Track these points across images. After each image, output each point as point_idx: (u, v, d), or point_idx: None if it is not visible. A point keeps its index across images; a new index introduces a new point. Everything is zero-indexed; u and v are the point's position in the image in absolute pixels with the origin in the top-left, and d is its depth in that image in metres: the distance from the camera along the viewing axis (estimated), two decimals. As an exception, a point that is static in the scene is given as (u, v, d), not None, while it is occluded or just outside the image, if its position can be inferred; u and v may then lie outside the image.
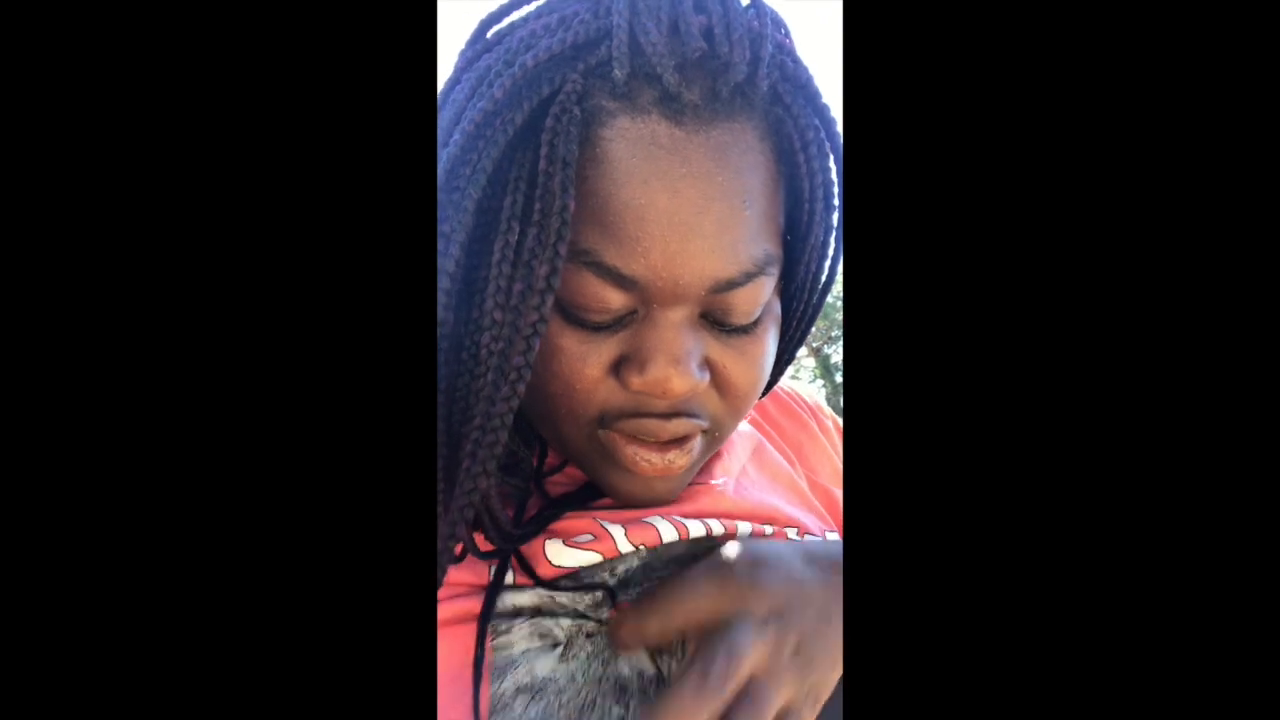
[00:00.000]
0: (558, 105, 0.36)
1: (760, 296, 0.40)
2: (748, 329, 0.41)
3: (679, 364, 0.39)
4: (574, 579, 0.45)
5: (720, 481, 0.51)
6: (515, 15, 0.41)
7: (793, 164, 0.40)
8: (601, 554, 0.44)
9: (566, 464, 0.51)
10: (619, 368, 0.40)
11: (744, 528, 0.48)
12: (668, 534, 0.45)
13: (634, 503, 0.45)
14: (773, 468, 0.57)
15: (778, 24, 0.40)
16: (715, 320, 0.40)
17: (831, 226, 0.43)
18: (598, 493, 0.48)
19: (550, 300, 0.36)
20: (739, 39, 0.36)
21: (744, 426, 0.58)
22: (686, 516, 0.47)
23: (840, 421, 0.69)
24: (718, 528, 0.47)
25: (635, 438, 0.41)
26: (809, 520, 0.55)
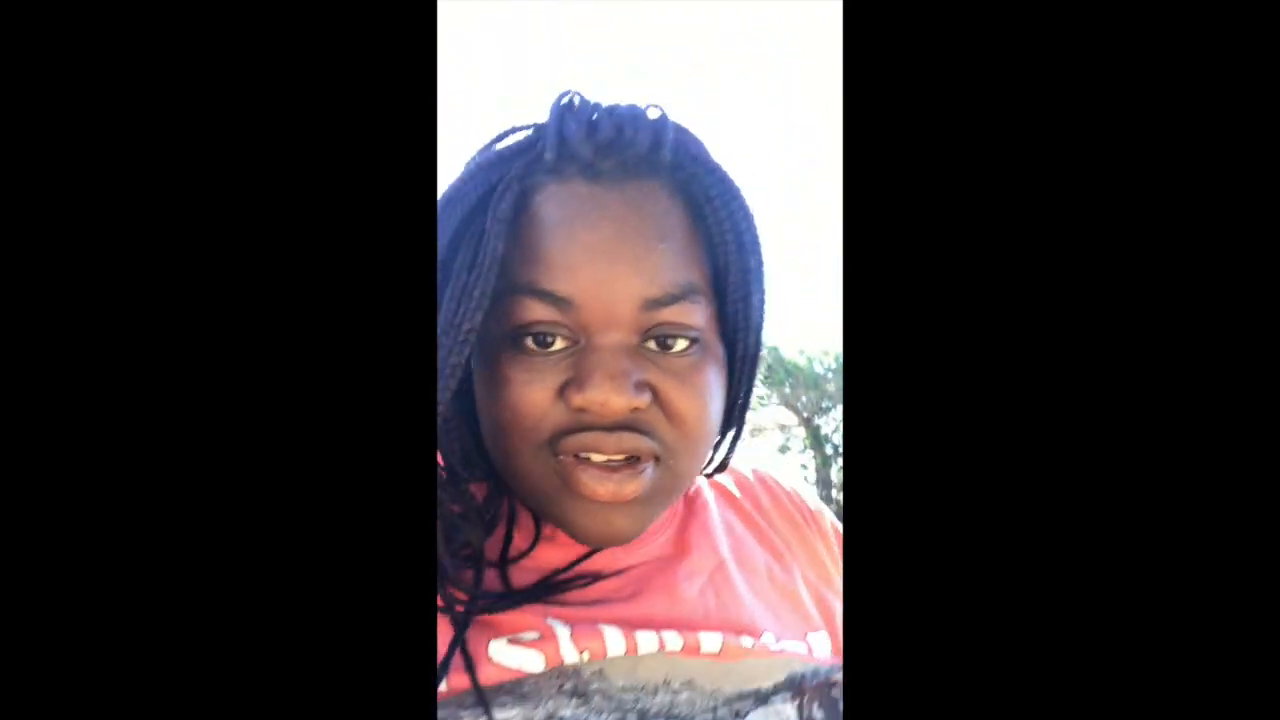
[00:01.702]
0: (502, 183, 0.46)
1: (690, 318, 0.46)
2: (686, 354, 0.47)
3: (614, 379, 0.44)
4: (514, 694, 0.45)
5: (689, 585, 0.53)
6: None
7: (702, 215, 0.48)
8: (545, 656, 0.46)
9: (533, 548, 0.53)
10: (564, 392, 0.46)
11: (711, 641, 0.49)
12: (614, 645, 0.47)
13: (593, 538, 0.48)
14: (752, 563, 0.58)
15: (680, 129, 0.50)
16: (655, 347, 0.46)
17: (748, 268, 0.50)
18: (555, 589, 0.50)
19: (481, 315, 0.44)
20: (643, 127, 0.47)
21: (721, 524, 0.60)
22: (638, 625, 0.48)
23: (841, 529, 0.67)
24: (674, 641, 0.48)
25: (585, 460, 0.46)
26: (790, 630, 0.55)
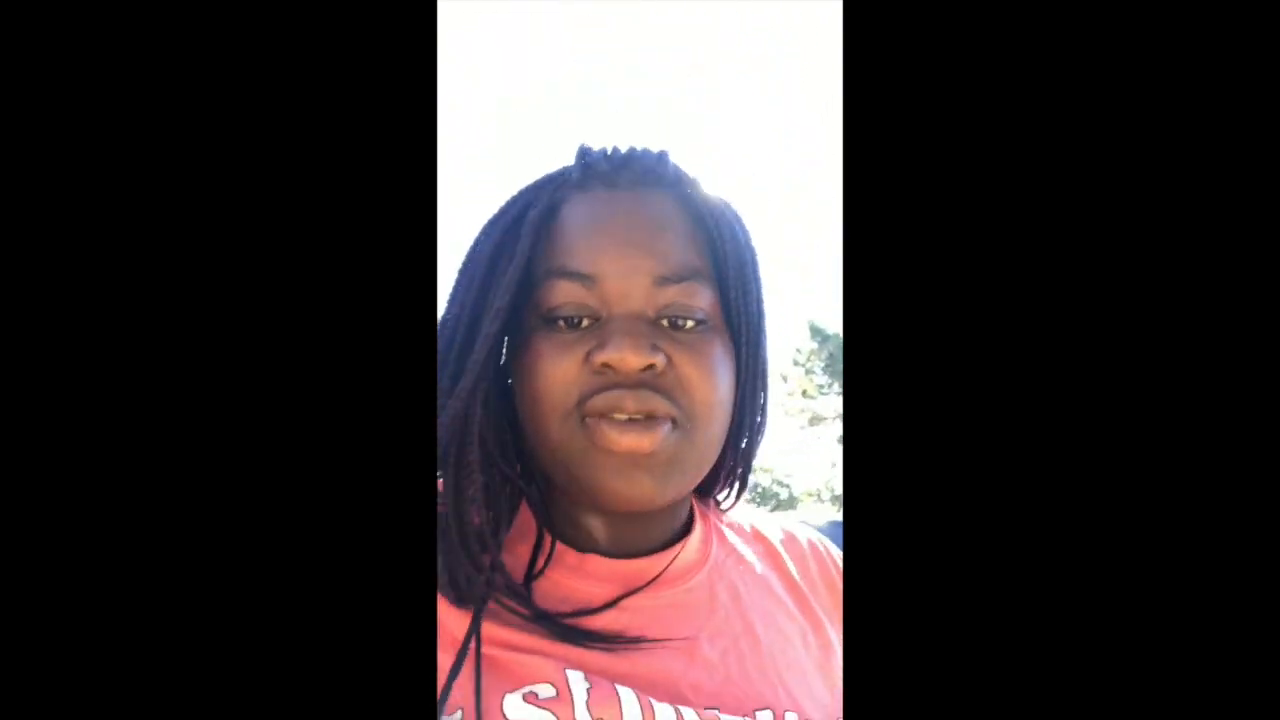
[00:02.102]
0: (537, 200, 0.55)
1: (696, 299, 0.53)
2: (697, 328, 0.54)
3: (632, 337, 0.50)
4: None
5: (711, 647, 0.55)
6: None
7: (701, 218, 0.57)
8: (557, 718, 0.47)
9: (547, 564, 0.56)
10: (589, 358, 0.51)
11: None
12: (630, 711, 0.49)
13: (618, 498, 0.52)
14: (784, 630, 0.59)
15: (678, 169, 0.59)
16: (669, 323, 0.53)
17: (745, 261, 0.57)
18: (576, 635, 0.52)
19: (510, 295, 0.52)
20: (662, 159, 0.58)
21: (757, 584, 0.61)
22: (656, 684, 0.51)
23: None
24: (690, 719, 0.49)
25: (608, 416, 0.51)
26: (819, 705, 0.55)
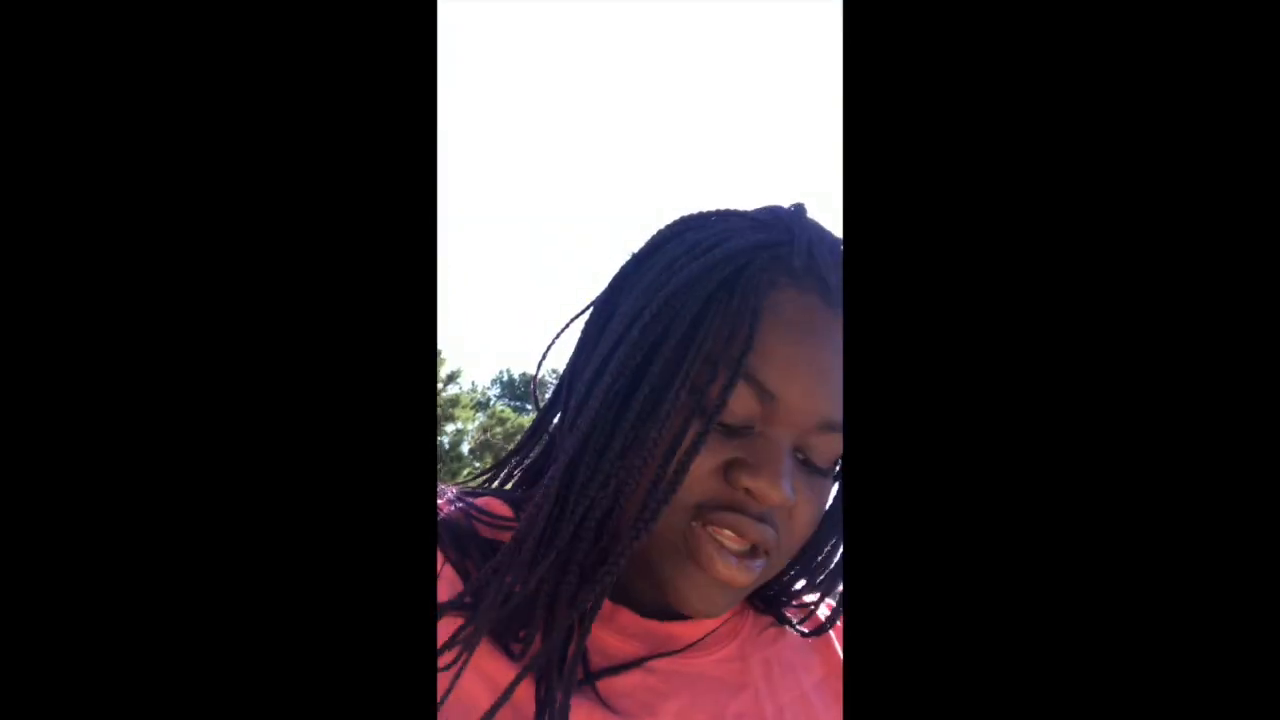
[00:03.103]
0: (751, 269, 0.50)
1: (839, 449, 0.51)
2: (824, 473, 0.52)
3: (782, 477, 0.48)
4: None
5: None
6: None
7: None
8: None
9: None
10: (729, 468, 0.49)
11: None
12: None
13: (689, 606, 0.50)
14: (813, 714, 0.58)
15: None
16: (804, 459, 0.51)
17: None
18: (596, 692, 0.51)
19: (729, 397, 0.47)
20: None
21: (792, 668, 0.59)
22: None
23: None
24: None
25: (719, 535, 0.49)
26: None
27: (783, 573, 0.57)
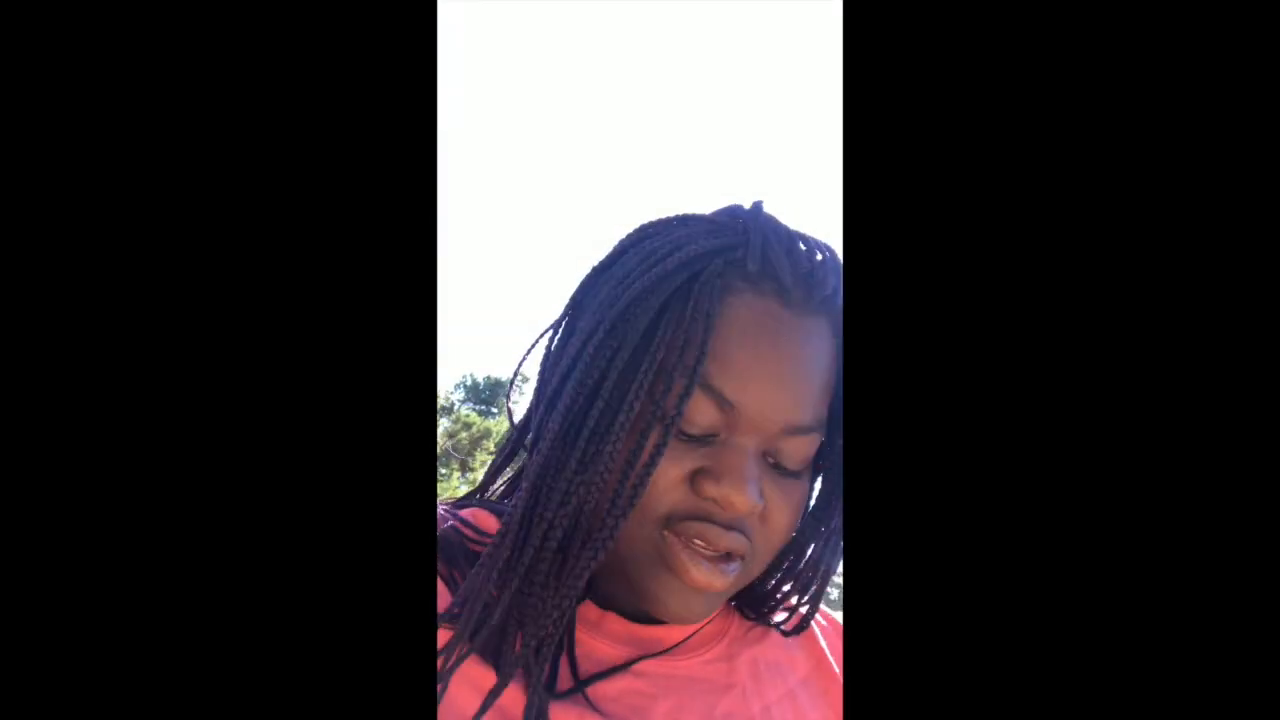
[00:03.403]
0: (705, 276, 0.50)
1: (810, 450, 0.52)
2: (797, 475, 0.52)
3: (748, 484, 0.48)
4: None
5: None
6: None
7: (835, 358, 0.54)
8: None
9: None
10: (694, 477, 0.50)
11: None
12: None
13: (667, 613, 0.51)
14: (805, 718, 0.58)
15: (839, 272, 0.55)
16: (774, 462, 0.51)
17: (839, 408, 0.54)
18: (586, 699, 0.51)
19: (685, 406, 0.48)
20: (833, 269, 0.53)
21: (780, 667, 0.60)
22: None
23: None
24: None
25: (691, 544, 0.49)
26: None
27: (765, 575, 0.59)
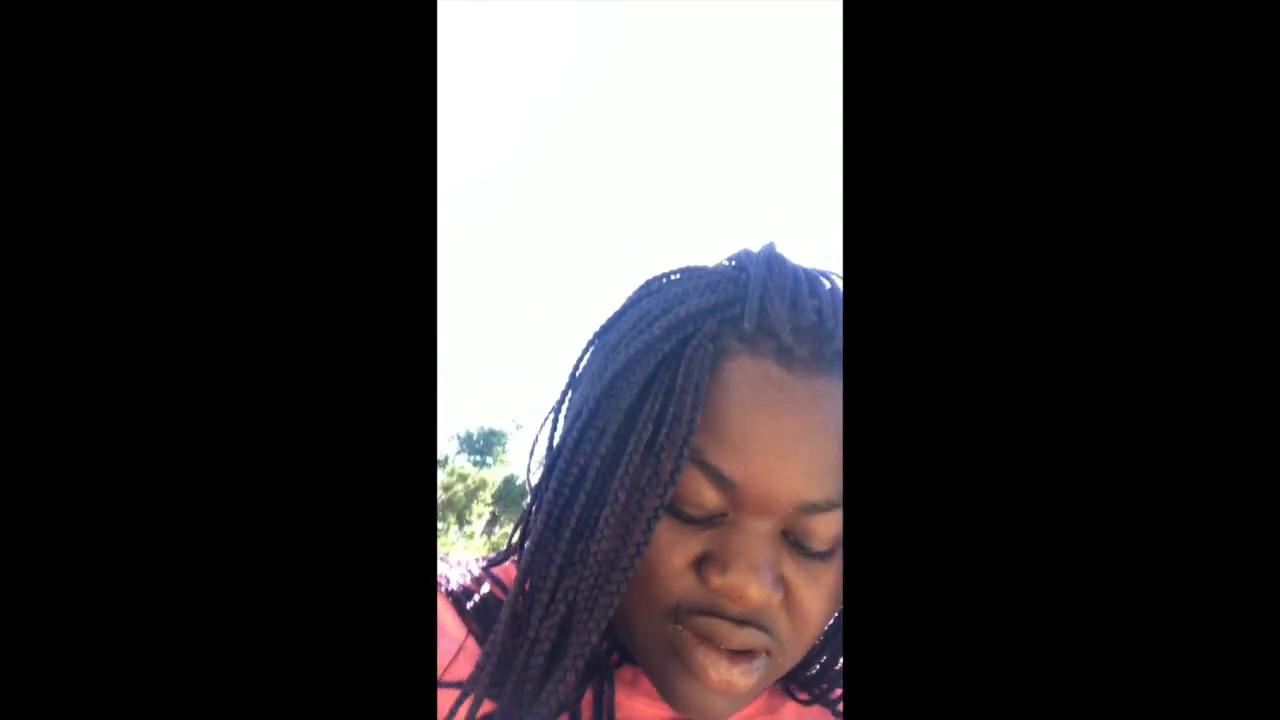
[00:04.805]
0: (696, 340, 0.45)
1: (837, 527, 0.45)
2: (825, 556, 0.45)
3: (758, 572, 0.43)
4: None
5: None
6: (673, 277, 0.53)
7: None
8: None
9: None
10: (701, 564, 0.44)
11: None
12: None
13: (689, 712, 0.47)
14: None
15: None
16: (795, 542, 0.45)
17: None
18: None
19: (672, 491, 0.43)
20: (839, 318, 0.47)
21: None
22: None
23: None
24: None
25: (706, 640, 0.44)
26: None
27: (808, 661, 0.54)
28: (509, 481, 17.77)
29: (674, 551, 0.45)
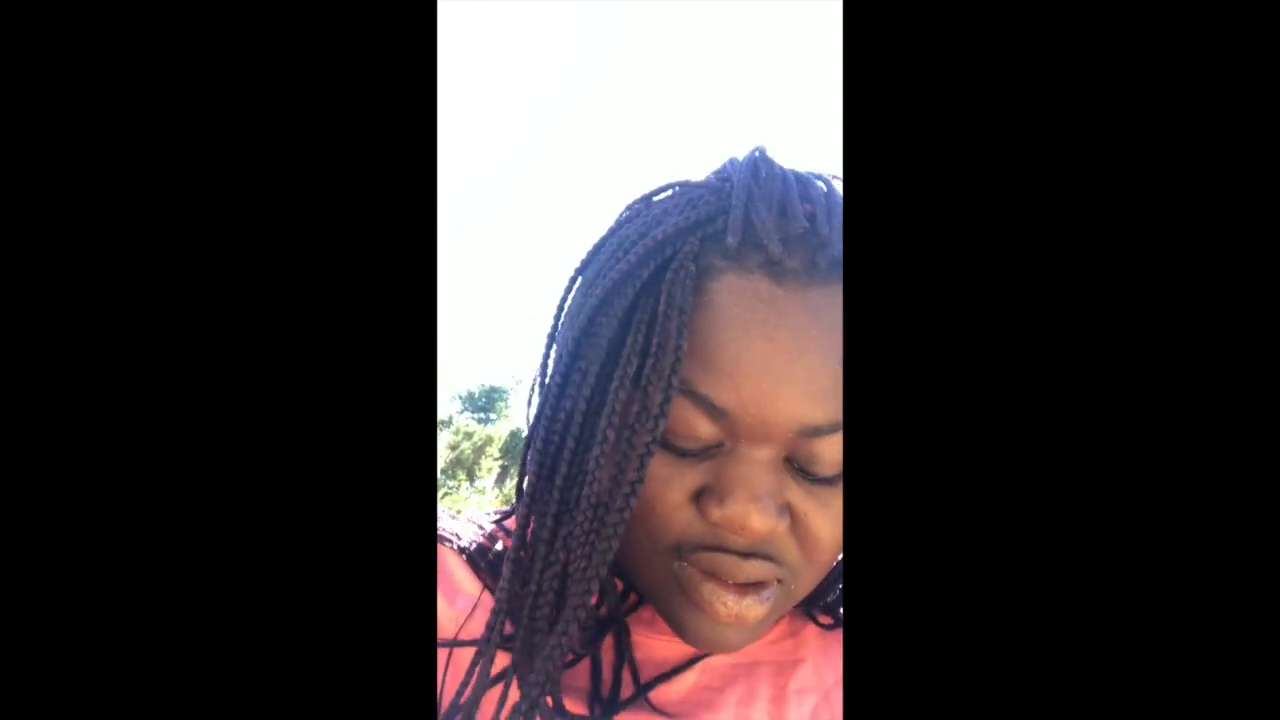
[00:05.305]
0: (676, 262, 0.42)
1: (842, 451, 0.42)
2: (832, 481, 0.43)
3: (758, 501, 0.41)
4: None
5: (799, 703, 0.51)
6: (657, 197, 0.49)
7: None
8: None
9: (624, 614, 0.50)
10: (700, 497, 0.42)
11: None
12: None
13: (703, 646, 0.45)
14: None
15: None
16: (800, 468, 0.42)
17: None
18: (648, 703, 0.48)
19: (663, 425, 0.40)
20: (837, 222, 0.43)
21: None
22: None
23: None
24: None
25: (712, 575, 0.42)
26: None
27: (826, 587, 0.52)
28: (514, 435, 17.93)
29: (670, 487, 0.43)
